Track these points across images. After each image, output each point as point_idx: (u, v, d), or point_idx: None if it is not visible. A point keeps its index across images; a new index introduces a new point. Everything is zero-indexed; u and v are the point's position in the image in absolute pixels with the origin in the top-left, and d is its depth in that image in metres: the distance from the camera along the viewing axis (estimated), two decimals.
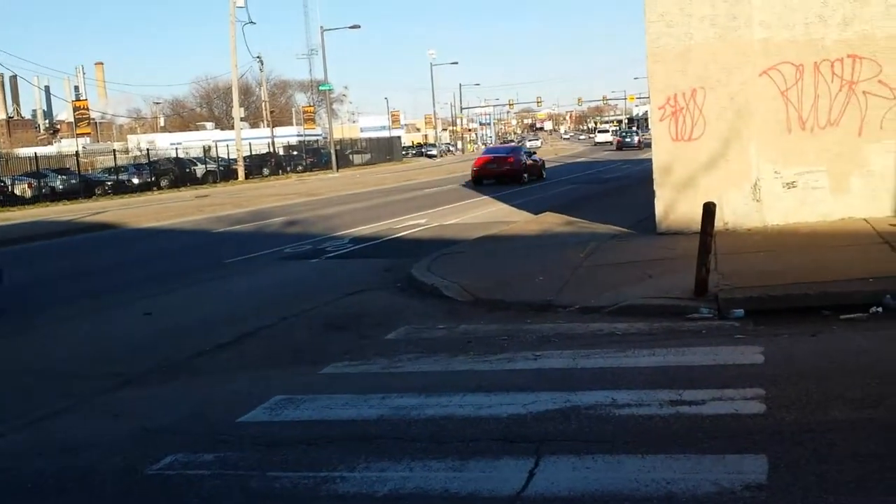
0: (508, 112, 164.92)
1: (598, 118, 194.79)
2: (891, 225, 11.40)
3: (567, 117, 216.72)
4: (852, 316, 7.58)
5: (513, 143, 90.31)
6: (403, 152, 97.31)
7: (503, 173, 33.66)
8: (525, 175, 34.25)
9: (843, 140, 12.26)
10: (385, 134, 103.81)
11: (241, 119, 63.79)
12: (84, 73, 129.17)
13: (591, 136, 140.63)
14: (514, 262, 12.04)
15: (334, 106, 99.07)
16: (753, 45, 12.38)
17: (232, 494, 4.54)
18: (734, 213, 12.36)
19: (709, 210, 8.72)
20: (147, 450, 5.35)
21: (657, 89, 12.83)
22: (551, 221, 16.87)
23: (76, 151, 52.29)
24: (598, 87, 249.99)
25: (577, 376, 6.25)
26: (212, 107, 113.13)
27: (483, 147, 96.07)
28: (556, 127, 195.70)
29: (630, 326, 7.85)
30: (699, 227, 8.79)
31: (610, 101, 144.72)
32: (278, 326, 9.28)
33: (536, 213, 19.14)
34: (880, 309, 7.69)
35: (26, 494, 4.81)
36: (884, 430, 4.63)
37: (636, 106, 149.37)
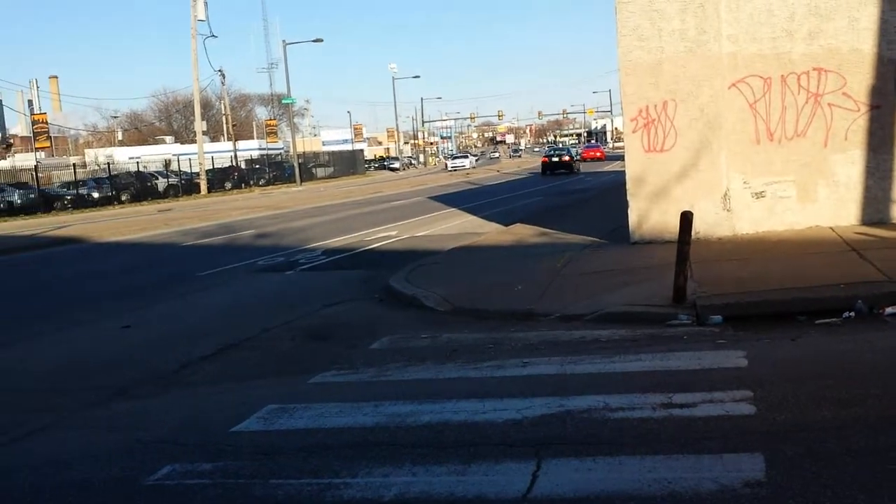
0: (469, 125, 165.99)
1: (558, 131, 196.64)
2: (856, 233, 11.70)
3: (527, 130, 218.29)
4: (827, 321, 7.78)
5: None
6: (366, 165, 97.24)
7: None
8: (573, 166, 53.10)
9: (809, 151, 12.58)
10: (348, 147, 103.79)
11: (202, 133, 63.29)
12: (38, 87, 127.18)
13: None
14: (491, 272, 12.15)
15: (296, 119, 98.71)
16: (722, 58, 12.66)
17: (235, 503, 4.55)
18: (705, 223, 12.59)
19: (686, 219, 8.90)
20: (143, 461, 5.33)
21: (629, 101, 13.05)
22: (523, 232, 17.02)
23: (34, 165, 51.46)
24: (557, 100, 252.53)
25: (568, 382, 6.35)
26: (171, 121, 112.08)
27: (445, 159, 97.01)
28: (517, 140, 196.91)
29: (613, 333, 7.98)
30: (672, 235, 8.97)
31: (570, 115, 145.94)
32: (261, 338, 9.28)
33: (507, 225, 19.30)
34: (853, 314, 7.92)
35: None
36: (871, 427, 4.79)
37: (595, 119, 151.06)
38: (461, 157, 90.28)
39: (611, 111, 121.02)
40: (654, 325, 8.24)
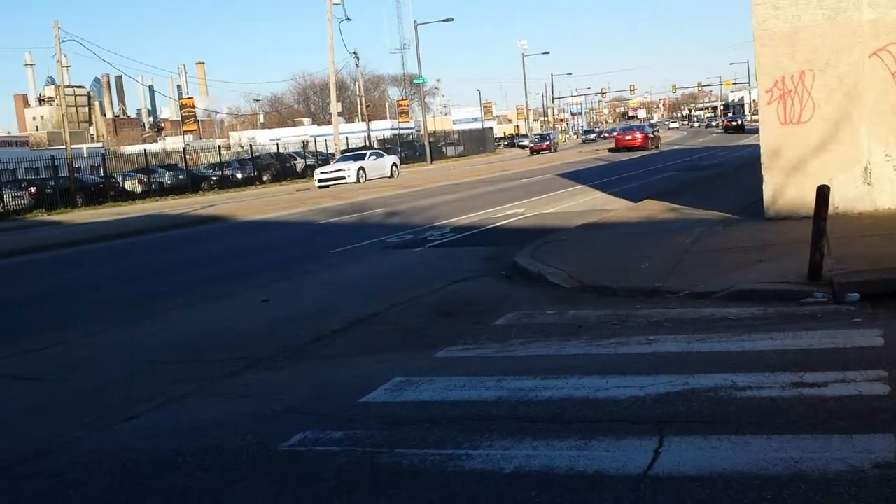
0: (600, 101, 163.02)
1: (693, 105, 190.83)
2: None
3: (661, 105, 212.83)
4: None
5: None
6: (496, 143, 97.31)
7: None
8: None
9: None
10: (477, 125, 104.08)
11: (338, 114, 64.86)
12: (186, 73, 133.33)
13: (686, 123, 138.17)
14: (618, 249, 12.02)
15: (427, 99, 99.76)
16: (863, 25, 12.00)
17: (363, 470, 4.73)
18: (844, 197, 12.04)
19: (823, 193, 8.55)
20: (276, 428, 5.60)
21: (764, 72, 12.57)
22: (653, 208, 16.72)
23: (183, 148, 54.04)
24: (692, 73, 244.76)
25: (693, 360, 6.26)
26: (308, 103, 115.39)
27: (578, 136, 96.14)
28: (650, 115, 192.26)
29: (743, 311, 7.78)
30: (809, 211, 8.63)
31: (705, 87, 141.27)
32: (389, 313, 9.52)
33: (636, 201, 18.98)
34: None
35: (168, 471, 5.07)
36: None
37: (732, 92, 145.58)
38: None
39: (748, 83, 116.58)
40: (787, 302, 7.98)
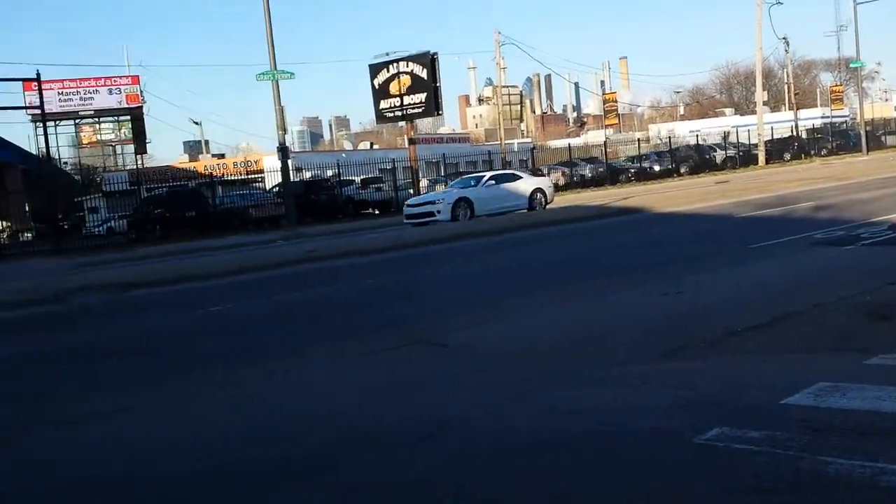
0: None
1: None
2: None
3: None
4: None
5: None
6: None
7: None
8: None
9: None
10: None
11: (763, 103, 62.00)
12: (610, 68, 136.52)
13: None
14: None
15: (864, 84, 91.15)
16: None
17: (783, 473, 4.52)
18: None
19: None
20: (692, 420, 5.54)
21: None
22: None
23: (604, 141, 55.57)
24: None
25: None
26: (731, 92, 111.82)
27: None
28: None
29: None
30: None
31: None
32: (812, 313, 8.91)
33: None
34: None
35: (582, 449, 5.28)
36: None
37: None
38: None
39: None
40: None
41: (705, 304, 10.04)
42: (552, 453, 5.25)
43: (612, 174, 49.38)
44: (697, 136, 63.43)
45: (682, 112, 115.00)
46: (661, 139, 65.06)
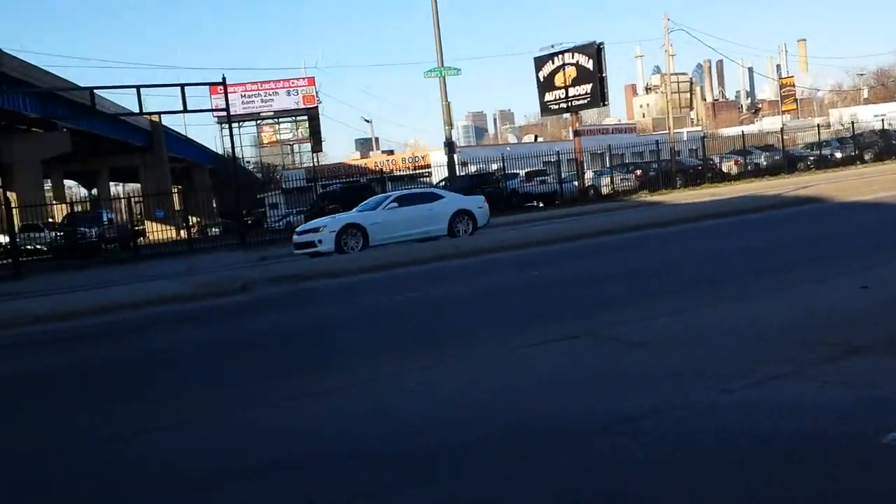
0: None
1: None
2: None
3: None
4: None
5: None
6: None
7: None
8: None
9: None
10: None
11: None
12: (787, 51, 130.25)
13: None
14: None
15: None
16: None
17: None
18: None
19: None
20: (877, 420, 5.34)
21: None
22: None
23: (780, 128, 53.23)
24: None
25: None
26: None
27: None
28: None
29: None
30: None
31: None
32: None
33: None
34: None
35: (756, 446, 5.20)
36: None
37: None
38: None
39: None
40: None
41: (890, 299, 9.53)
42: (746, 452, 5.20)
43: (789, 162, 47.22)
44: (883, 120, 59.46)
45: (865, 96, 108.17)
46: (842, 125, 61.53)
